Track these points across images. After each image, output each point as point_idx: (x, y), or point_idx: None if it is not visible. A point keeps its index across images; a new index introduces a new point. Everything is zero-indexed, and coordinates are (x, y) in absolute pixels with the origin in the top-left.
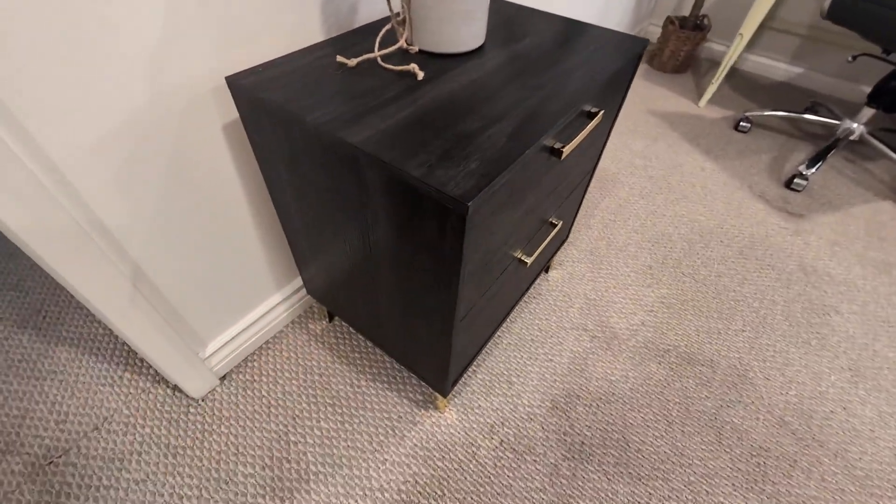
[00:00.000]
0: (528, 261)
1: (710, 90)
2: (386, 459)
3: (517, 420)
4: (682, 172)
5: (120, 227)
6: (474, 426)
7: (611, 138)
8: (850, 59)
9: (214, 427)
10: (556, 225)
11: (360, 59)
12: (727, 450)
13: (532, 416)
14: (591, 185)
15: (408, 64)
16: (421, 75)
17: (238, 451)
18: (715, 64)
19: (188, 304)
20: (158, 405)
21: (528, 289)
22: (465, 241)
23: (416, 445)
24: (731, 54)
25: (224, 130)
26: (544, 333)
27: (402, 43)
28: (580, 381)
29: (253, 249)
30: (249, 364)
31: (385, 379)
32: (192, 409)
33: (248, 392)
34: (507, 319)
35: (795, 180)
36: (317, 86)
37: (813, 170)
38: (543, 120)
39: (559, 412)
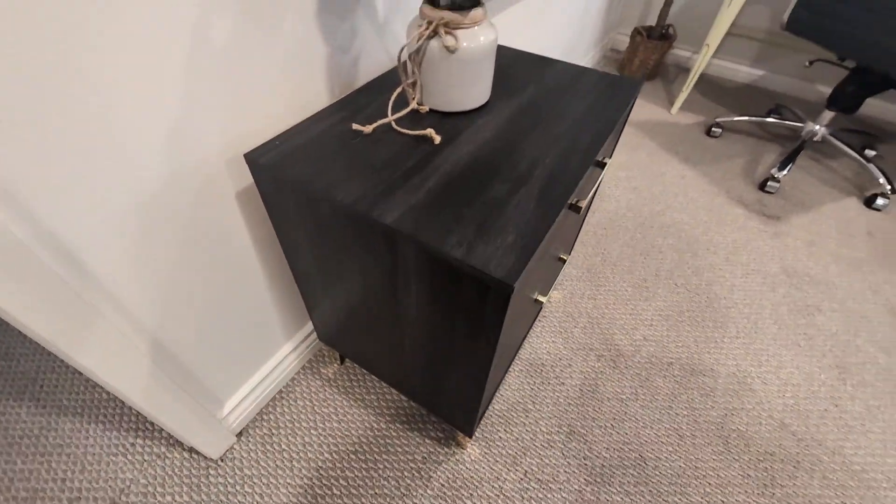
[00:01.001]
0: (544, 300)
1: (682, 97)
2: None
3: (538, 448)
4: (663, 182)
5: (133, 301)
6: (497, 459)
7: None
8: (807, 63)
9: (238, 488)
10: (565, 260)
11: (375, 125)
12: (736, 458)
13: (552, 443)
14: None
15: (421, 125)
16: (438, 139)
17: None
18: (682, 70)
19: (204, 366)
20: (177, 470)
21: (536, 317)
22: (506, 314)
23: (443, 486)
24: (699, 64)
25: (238, 198)
26: (553, 357)
27: (413, 105)
28: (593, 403)
29: (266, 304)
30: (265, 417)
31: (404, 418)
32: (212, 471)
33: (268, 447)
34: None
35: (769, 183)
36: (337, 158)
37: (784, 171)
38: (566, 178)
39: (577, 436)
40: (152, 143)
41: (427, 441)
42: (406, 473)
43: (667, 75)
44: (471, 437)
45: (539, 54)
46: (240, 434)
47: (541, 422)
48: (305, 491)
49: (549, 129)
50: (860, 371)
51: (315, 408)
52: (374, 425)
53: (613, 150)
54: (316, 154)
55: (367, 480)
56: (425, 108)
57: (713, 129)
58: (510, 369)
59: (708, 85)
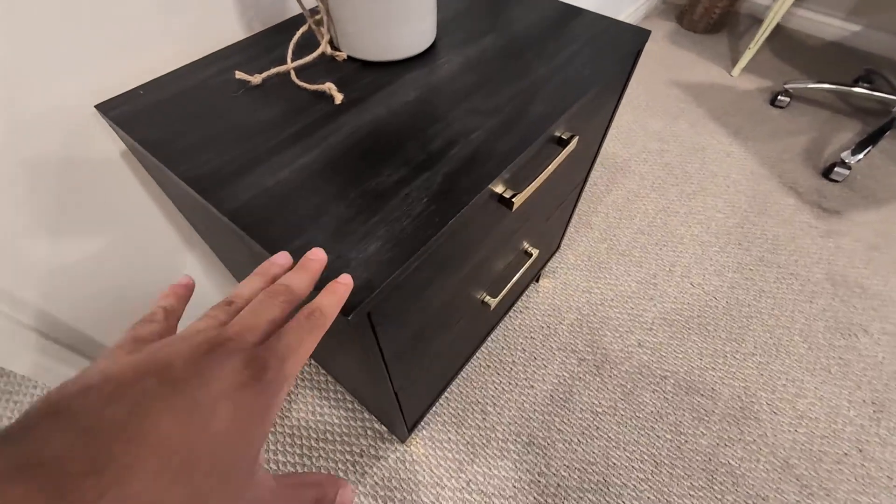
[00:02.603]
0: (493, 303)
1: (747, 56)
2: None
3: (489, 457)
4: (703, 158)
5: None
6: (441, 462)
7: (625, 117)
8: None
9: None
10: (531, 255)
11: (266, 73)
12: (719, 497)
13: (505, 453)
14: (597, 174)
15: (328, 77)
16: (339, 98)
17: None
18: (757, 22)
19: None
20: None
21: (505, 314)
22: (378, 338)
23: (377, 484)
24: (774, 14)
25: (125, 157)
26: (527, 355)
27: (323, 49)
28: (562, 413)
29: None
30: None
31: (348, 406)
32: None
33: None
34: (488, 339)
35: (836, 169)
36: (205, 115)
37: (859, 156)
38: (491, 162)
39: (536, 449)
40: None
41: (368, 433)
42: (340, 466)
43: (736, 28)
44: (403, 441)
45: None
46: None
47: (498, 427)
48: None
49: (497, 90)
50: None
51: None
52: (317, 409)
53: (610, 121)
54: (180, 109)
55: (298, 467)
56: (342, 55)
57: (780, 96)
58: (476, 363)
59: (784, 42)
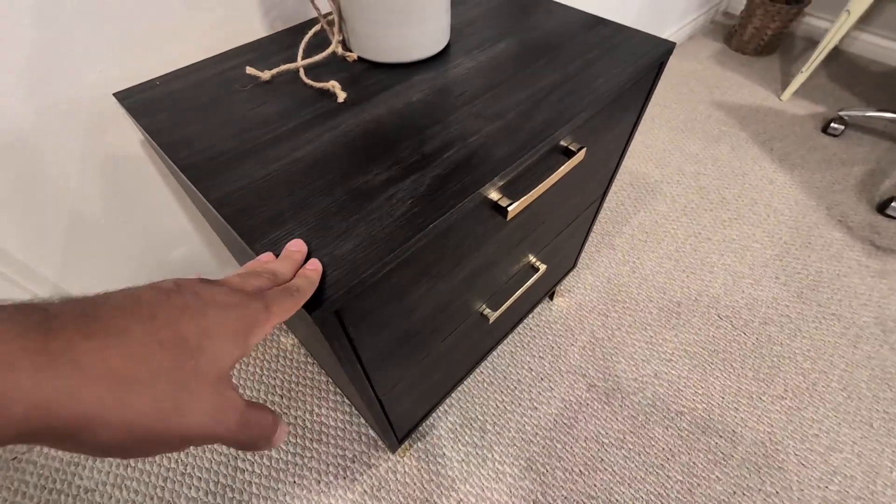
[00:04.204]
0: (493, 316)
1: (799, 79)
2: None
3: (483, 478)
4: (742, 184)
5: (28, 254)
6: (433, 478)
7: (661, 137)
8: None
9: None
10: (539, 269)
11: (276, 70)
12: None
13: (501, 475)
14: (625, 193)
15: (336, 77)
16: (342, 97)
17: (186, 471)
18: (814, 45)
19: None
20: None
21: (512, 329)
22: (352, 340)
23: (364, 493)
24: (831, 36)
25: (143, 145)
26: (534, 374)
27: (334, 48)
28: (565, 440)
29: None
30: None
31: (345, 409)
32: None
33: None
34: (494, 354)
35: (893, 204)
36: (210, 108)
37: None
38: (485, 167)
39: (534, 474)
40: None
41: (363, 438)
42: (332, 468)
43: (789, 51)
44: (393, 452)
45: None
46: None
47: (496, 447)
48: (228, 462)
49: (504, 96)
50: None
51: (264, 377)
52: (315, 409)
53: (630, 136)
54: (190, 100)
55: (290, 465)
56: (353, 56)
57: (833, 124)
58: (478, 379)
59: (843, 66)
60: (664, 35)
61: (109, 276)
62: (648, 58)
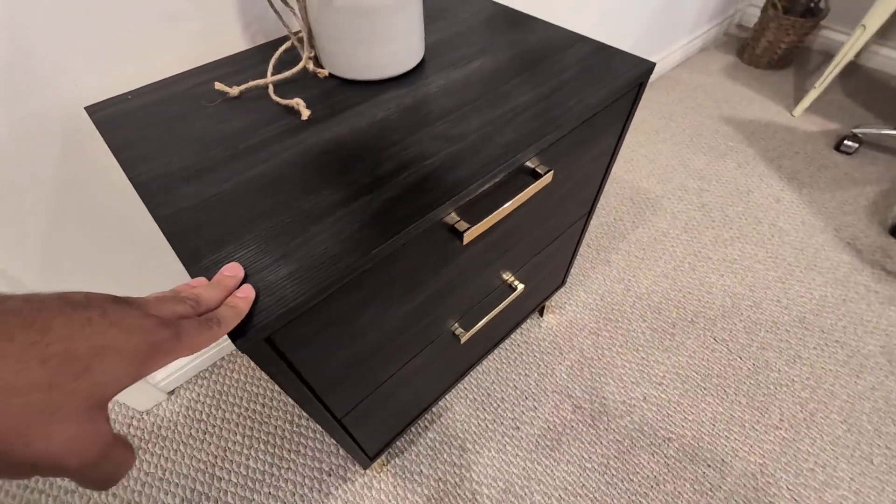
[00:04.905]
0: (465, 337)
1: (812, 95)
2: None
3: (459, 498)
4: (747, 202)
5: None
6: (408, 497)
7: (664, 151)
8: None
9: (149, 447)
10: (516, 289)
11: (244, 86)
12: None
13: (478, 496)
14: (623, 209)
15: (304, 94)
16: (306, 114)
17: (164, 476)
18: (830, 58)
19: None
20: None
21: (494, 348)
22: (294, 366)
23: None
24: (846, 51)
25: None
26: (519, 393)
27: (304, 65)
28: (546, 462)
29: None
30: (199, 382)
31: None
32: (135, 422)
33: (190, 413)
34: (476, 369)
35: None
36: (176, 123)
37: None
38: (435, 192)
39: (512, 497)
40: None
41: (340, 451)
42: (307, 481)
43: (804, 66)
44: (365, 468)
45: (524, 12)
46: (172, 392)
47: (475, 467)
48: (206, 469)
49: (469, 116)
50: None
51: (246, 385)
52: (295, 420)
53: (612, 156)
54: (155, 116)
55: (267, 476)
56: (324, 72)
57: (846, 141)
58: (461, 395)
59: (861, 82)
60: (674, 47)
61: (88, 286)
62: (625, 79)
